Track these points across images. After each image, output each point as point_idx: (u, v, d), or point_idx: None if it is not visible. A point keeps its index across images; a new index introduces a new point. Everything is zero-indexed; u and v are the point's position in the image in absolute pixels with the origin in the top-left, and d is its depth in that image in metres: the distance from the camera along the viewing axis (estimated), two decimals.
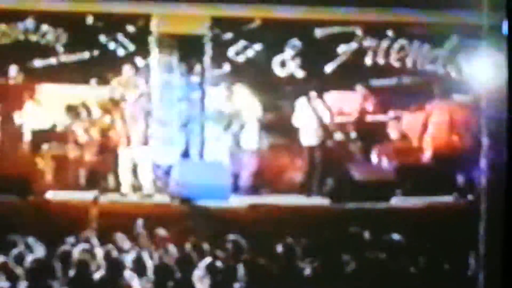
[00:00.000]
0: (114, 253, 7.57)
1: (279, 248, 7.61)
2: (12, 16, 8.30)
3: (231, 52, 8.29)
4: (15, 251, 7.29)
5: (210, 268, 7.46)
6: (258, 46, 8.26)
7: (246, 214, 7.85)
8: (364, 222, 7.74)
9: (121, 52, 8.42)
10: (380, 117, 8.47)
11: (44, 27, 8.40)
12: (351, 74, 8.25)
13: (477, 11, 7.35)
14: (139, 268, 7.52)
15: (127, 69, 8.36)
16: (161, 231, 7.73)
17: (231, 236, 7.68)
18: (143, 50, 8.41)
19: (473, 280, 7.46)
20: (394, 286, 7.56)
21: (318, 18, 8.25)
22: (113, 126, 8.43)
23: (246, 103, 8.35)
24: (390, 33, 8.22)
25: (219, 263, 7.53)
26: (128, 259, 7.55)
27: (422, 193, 8.11)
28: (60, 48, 8.42)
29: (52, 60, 8.40)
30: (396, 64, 8.27)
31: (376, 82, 8.32)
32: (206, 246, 7.65)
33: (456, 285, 7.57)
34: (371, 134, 8.46)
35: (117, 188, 8.31)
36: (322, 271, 7.45)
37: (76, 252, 7.51)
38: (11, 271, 7.28)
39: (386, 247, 7.58)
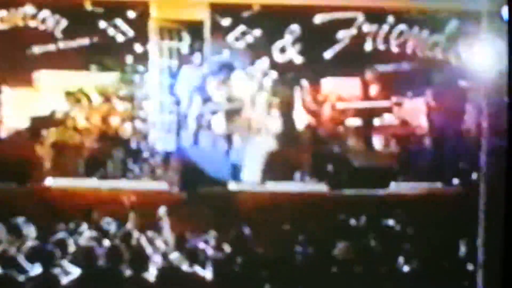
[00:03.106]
0: (116, 242, 7.62)
1: (278, 235, 7.64)
2: (11, 2, 8.28)
3: (230, 38, 8.26)
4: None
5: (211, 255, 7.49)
6: (257, 32, 8.23)
7: (245, 201, 7.86)
8: (363, 208, 7.75)
9: (120, 38, 8.39)
10: (380, 103, 8.44)
11: (44, 13, 8.38)
12: (350, 60, 8.21)
13: None
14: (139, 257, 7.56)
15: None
16: (162, 219, 7.77)
17: (231, 223, 7.71)
18: (142, 36, 8.38)
19: (471, 265, 7.47)
20: (393, 272, 7.57)
21: (317, 3, 8.21)
22: (114, 113, 8.43)
23: (244, 89, 8.34)
24: (390, 18, 8.17)
25: (220, 250, 7.57)
26: (131, 247, 7.59)
27: (422, 179, 8.10)
28: (59, 34, 8.39)
29: (52, 46, 8.38)
30: (396, 50, 8.23)
31: (376, 68, 8.29)
32: (206, 233, 7.69)
33: (455, 270, 7.58)
34: (371, 120, 8.44)
35: (116, 175, 8.30)
36: (320, 258, 7.48)
37: (78, 239, 7.57)
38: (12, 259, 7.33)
39: (384, 233, 7.61)
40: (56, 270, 7.53)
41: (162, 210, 7.78)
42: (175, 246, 7.71)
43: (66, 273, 7.53)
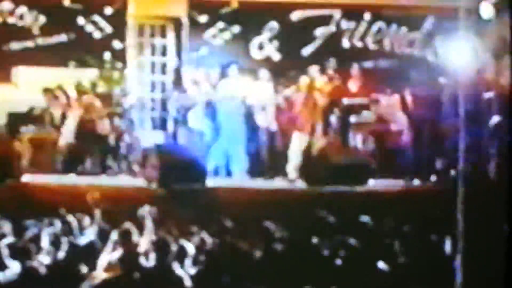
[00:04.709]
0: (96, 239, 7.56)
1: (257, 230, 7.62)
2: None
3: (208, 34, 8.28)
4: None
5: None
6: (235, 29, 8.24)
7: (223, 197, 7.84)
8: (340, 204, 7.75)
9: (98, 34, 8.39)
10: (358, 100, 8.45)
11: (22, 9, 8.37)
12: (328, 57, 8.24)
13: None
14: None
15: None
16: (142, 215, 7.74)
17: (210, 218, 7.69)
18: (120, 33, 8.39)
19: (449, 262, 7.48)
20: (371, 267, 7.57)
21: (296, 0, 8.25)
22: (92, 109, 8.42)
23: (224, 86, 8.34)
24: (367, 16, 8.21)
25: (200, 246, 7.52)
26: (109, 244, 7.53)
27: (399, 176, 8.12)
28: (37, 31, 8.39)
29: (29, 43, 8.36)
30: (374, 47, 8.26)
31: (353, 65, 8.32)
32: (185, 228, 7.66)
33: (433, 265, 7.59)
34: (349, 117, 8.45)
35: (97, 171, 8.28)
36: (297, 254, 7.46)
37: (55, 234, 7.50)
38: None
39: (361, 229, 7.60)
40: (34, 265, 7.47)
41: (141, 207, 7.75)
42: (153, 242, 7.68)
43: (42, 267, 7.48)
